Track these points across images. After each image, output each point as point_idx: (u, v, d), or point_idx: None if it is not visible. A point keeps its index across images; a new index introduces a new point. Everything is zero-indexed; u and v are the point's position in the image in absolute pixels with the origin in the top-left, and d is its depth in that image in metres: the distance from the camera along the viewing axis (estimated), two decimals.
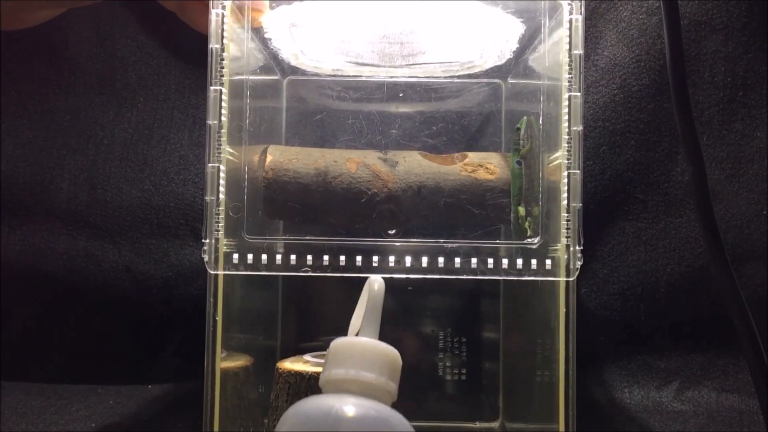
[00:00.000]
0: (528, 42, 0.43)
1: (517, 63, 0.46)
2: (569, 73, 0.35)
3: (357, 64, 0.46)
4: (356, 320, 0.34)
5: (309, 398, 0.31)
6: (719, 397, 0.54)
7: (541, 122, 0.39)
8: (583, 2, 0.36)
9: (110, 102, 0.59)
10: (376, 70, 0.47)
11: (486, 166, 0.42)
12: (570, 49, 0.35)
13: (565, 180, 0.35)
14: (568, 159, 0.35)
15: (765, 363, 0.34)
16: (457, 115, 0.50)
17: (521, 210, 0.40)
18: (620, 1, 0.56)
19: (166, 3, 0.42)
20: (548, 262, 0.36)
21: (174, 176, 0.58)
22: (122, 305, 0.57)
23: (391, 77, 0.48)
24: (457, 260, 0.36)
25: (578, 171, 0.35)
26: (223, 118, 0.36)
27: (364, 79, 0.47)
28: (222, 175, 0.36)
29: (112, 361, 0.58)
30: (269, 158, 0.42)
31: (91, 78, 0.59)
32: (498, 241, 0.39)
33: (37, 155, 0.58)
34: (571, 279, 0.35)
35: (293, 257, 0.36)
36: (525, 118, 0.42)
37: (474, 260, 0.36)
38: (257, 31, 0.41)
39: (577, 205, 0.35)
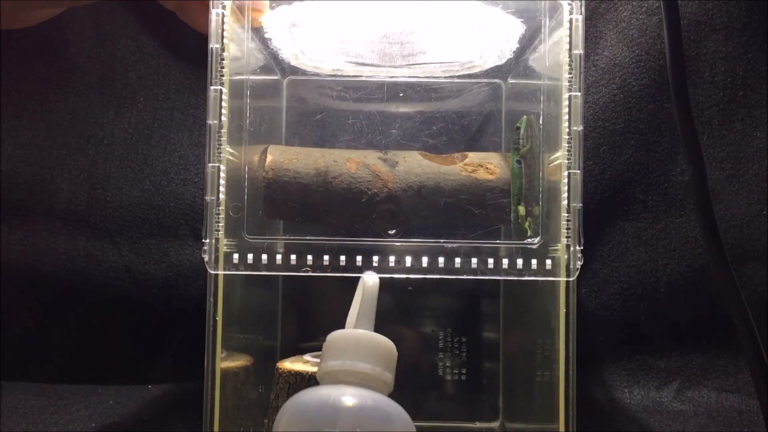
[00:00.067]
0: (528, 42, 0.43)
1: (517, 63, 0.46)
2: (569, 73, 0.35)
3: (357, 64, 0.46)
4: (352, 315, 0.35)
5: (307, 390, 0.31)
6: (719, 397, 0.54)
7: (541, 122, 0.39)
8: (583, 2, 0.36)
9: (110, 102, 0.59)
10: (376, 70, 0.47)
11: (486, 166, 0.42)
12: (570, 49, 0.35)
13: (565, 180, 0.35)
14: (568, 159, 0.35)
15: (765, 363, 0.34)
16: (457, 115, 0.50)
17: (521, 210, 0.40)
18: (620, 1, 0.56)
19: (166, 3, 0.42)
20: (548, 262, 0.36)
21: (174, 176, 0.58)
22: (122, 305, 0.57)
23: (391, 77, 0.48)
24: (457, 260, 0.36)
25: (578, 171, 0.35)
26: (223, 118, 0.36)
27: (364, 79, 0.47)
28: (222, 175, 0.36)
29: (112, 361, 0.58)
30: (269, 158, 0.42)
31: (91, 78, 0.59)
32: (498, 241, 0.39)
33: (37, 155, 0.58)
34: (571, 279, 0.35)
35: (293, 257, 0.36)
36: (525, 117, 0.42)
37: (474, 260, 0.36)
38: (257, 31, 0.41)
39: (578, 205, 0.35)
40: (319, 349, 0.45)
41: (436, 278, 0.36)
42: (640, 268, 0.56)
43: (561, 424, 0.35)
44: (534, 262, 0.36)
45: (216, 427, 0.36)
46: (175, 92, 0.59)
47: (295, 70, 0.49)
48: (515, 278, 0.36)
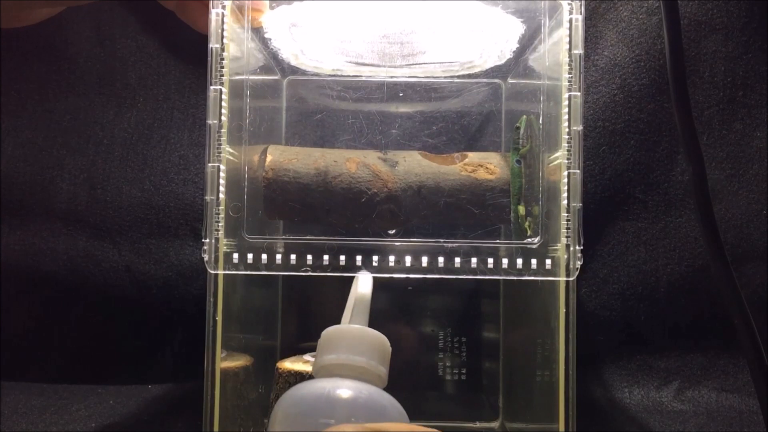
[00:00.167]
0: (528, 42, 0.43)
1: (517, 63, 0.46)
2: (569, 73, 0.35)
3: (357, 64, 0.46)
4: (347, 312, 0.35)
5: (302, 383, 0.31)
6: (719, 397, 0.54)
7: (540, 122, 0.39)
8: (583, 2, 0.36)
9: (110, 102, 0.59)
10: (376, 70, 0.47)
11: (486, 166, 0.42)
12: (570, 49, 0.35)
13: (565, 180, 0.35)
14: (568, 159, 0.35)
15: (765, 363, 0.34)
16: (457, 115, 0.50)
17: (521, 209, 0.40)
18: (620, 1, 0.56)
19: (166, 3, 0.42)
20: (548, 261, 0.36)
21: (174, 176, 0.58)
22: (122, 305, 0.57)
23: (391, 77, 0.48)
24: (457, 260, 0.36)
25: (578, 171, 0.35)
26: (223, 118, 0.36)
27: (364, 79, 0.47)
28: (222, 174, 0.36)
29: (112, 361, 0.58)
30: (269, 158, 0.42)
31: (91, 78, 0.59)
32: (498, 241, 0.39)
33: (37, 155, 0.58)
34: (571, 279, 0.35)
35: (293, 257, 0.36)
36: (524, 117, 0.42)
37: (474, 260, 0.36)
38: (257, 31, 0.41)
39: (577, 204, 0.35)
40: None
41: (436, 278, 0.36)
42: (640, 268, 0.56)
43: (561, 424, 0.35)
44: (534, 261, 0.36)
45: (216, 427, 0.36)
46: (175, 92, 0.59)
47: (295, 70, 0.49)
48: (515, 278, 0.36)
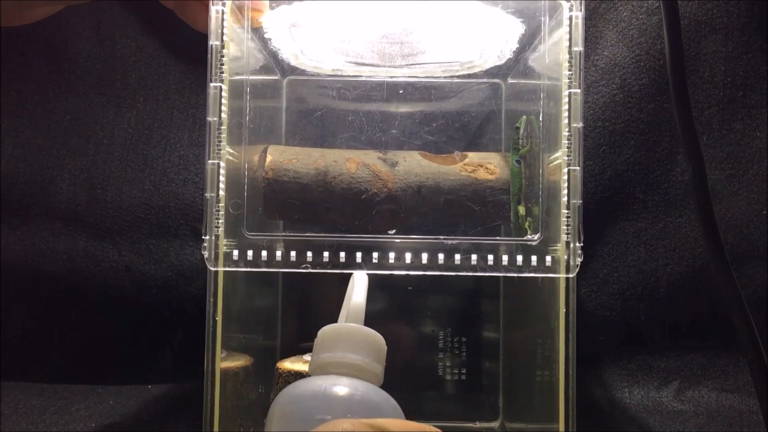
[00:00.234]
0: (528, 42, 0.43)
1: (517, 63, 0.46)
2: (569, 70, 0.35)
3: (357, 64, 0.46)
4: (343, 312, 0.35)
5: (299, 381, 0.31)
6: (719, 397, 0.54)
7: (541, 122, 0.39)
8: (583, 1, 0.36)
9: (110, 102, 0.59)
10: (376, 70, 0.47)
11: (486, 166, 0.42)
12: (570, 46, 0.35)
13: (566, 177, 0.35)
14: (568, 156, 0.35)
15: (765, 363, 0.34)
16: (457, 115, 0.50)
17: (521, 209, 0.40)
18: (620, 1, 0.56)
19: (166, 2, 0.42)
20: (548, 258, 0.36)
21: (174, 176, 0.58)
22: (122, 305, 0.57)
23: (391, 77, 0.48)
24: (457, 257, 0.36)
25: (578, 167, 0.35)
26: (223, 115, 0.36)
27: (364, 78, 0.47)
28: (222, 171, 0.36)
29: (112, 361, 0.58)
30: (269, 158, 0.42)
31: (91, 78, 0.59)
32: (498, 238, 0.39)
33: (37, 155, 0.58)
34: (571, 276, 0.35)
35: (293, 254, 0.36)
36: (524, 117, 0.42)
37: (474, 257, 0.36)
38: (257, 31, 0.41)
39: (578, 201, 0.35)
40: None
41: (436, 278, 0.36)
42: (640, 268, 0.56)
43: (561, 424, 0.35)
44: (534, 258, 0.36)
45: (216, 427, 0.36)
46: (175, 92, 0.59)
47: (294, 70, 0.49)
48: (515, 275, 0.36)
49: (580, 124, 0.35)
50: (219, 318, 0.36)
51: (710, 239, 0.35)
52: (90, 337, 0.57)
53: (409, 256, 0.36)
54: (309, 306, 0.53)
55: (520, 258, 0.36)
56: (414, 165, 0.42)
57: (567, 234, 0.35)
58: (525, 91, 0.45)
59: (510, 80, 0.50)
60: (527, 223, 0.40)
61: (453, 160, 0.43)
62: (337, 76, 0.48)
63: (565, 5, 0.36)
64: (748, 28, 0.56)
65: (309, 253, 0.36)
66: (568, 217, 0.35)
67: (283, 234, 0.38)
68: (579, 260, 0.35)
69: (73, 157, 0.58)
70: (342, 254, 0.36)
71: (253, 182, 0.40)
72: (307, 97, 0.51)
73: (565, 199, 0.35)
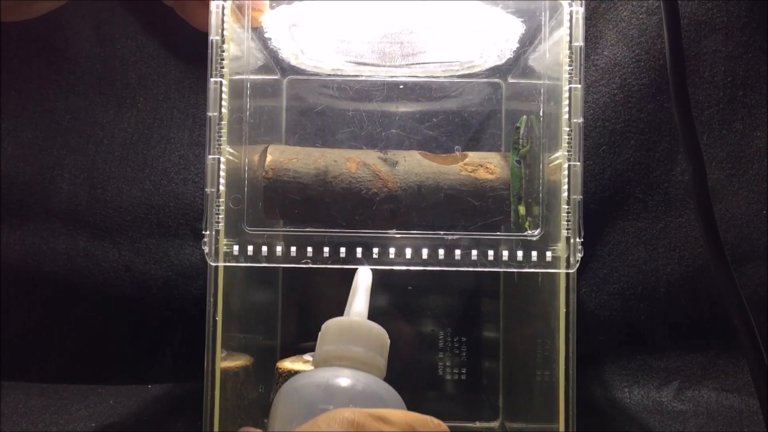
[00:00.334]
0: (528, 41, 0.43)
1: (517, 62, 0.46)
2: (570, 66, 0.35)
3: (357, 63, 0.46)
4: (348, 307, 0.36)
5: (302, 374, 0.32)
6: (719, 397, 0.54)
7: (541, 122, 0.39)
8: (583, 0, 0.36)
9: (110, 102, 0.59)
10: (376, 70, 0.47)
11: (486, 165, 0.42)
12: (570, 42, 0.35)
13: (566, 172, 0.35)
14: (568, 152, 0.35)
15: (765, 363, 0.34)
16: (457, 115, 0.50)
17: (521, 209, 0.40)
18: (620, 1, 0.56)
19: (166, 0, 0.42)
20: (548, 254, 0.36)
21: (174, 176, 0.58)
22: (122, 305, 0.57)
23: (392, 77, 0.48)
24: (457, 252, 0.36)
25: (578, 163, 0.35)
26: (224, 110, 0.36)
27: (364, 78, 0.47)
28: (222, 167, 0.36)
29: (112, 361, 0.58)
30: (269, 158, 0.42)
31: (91, 78, 0.59)
32: (498, 233, 0.39)
33: (37, 155, 0.58)
34: (571, 271, 0.35)
35: (293, 249, 0.36)
36: (524, 117, 0.42)
37: (474, 252, 0.36)
38: (257, 31, 0.41)
39: (578, 197, 0.35)
40: None
41: (437, 278, 0.36)
42: (640, 268, 0.56)
43: (561, 424, 0.35)
44: (534, 254, 0.36)
45: (216, 427, 0.36)
46: (175, 92, 0.59)
47: (295, 70, 0.49)
48: (515, 270, 0.36)
49: (581, 120, 0.35)
50: (219, 318, 0.36)
51: (710, 239, 0.35)
52: (90, 337, 0.57)
53: (409, 251, 0.36)
54: (309, 306, 0.53)
55: (520, 254, 0.36)
56: (414, 165, 0.42)
57: (567, 230, 0.35)
58: (525, 90, 0.45)
59: (510, 80, 0.50)
60: (527, 223, 0.40)
61: (453, 160, 0.43)
62: (338, 75, 0.48)
63: (566, 5, 0.36)
64: (748, 28, 0.56)
65: (309, 249, 0.36)
66: (568, 213, 0.35)
67: (284, 229, 0.38)
68: (579, 256, 0.35)
69: (73, 157, 0.58)
70: (342, 249, 0.36)
71: (254, 180, 0.40)
72: (308, 97, 0.51)
73: (565, 195, 0.35)
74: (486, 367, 0.52)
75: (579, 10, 0.35)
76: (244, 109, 0.39)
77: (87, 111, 0.59)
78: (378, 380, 0.32)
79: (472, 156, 0.43)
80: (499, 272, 0.51)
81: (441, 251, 0.36)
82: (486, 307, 0.52)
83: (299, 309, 0.53)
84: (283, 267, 0.42)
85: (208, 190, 0.35)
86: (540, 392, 0.40)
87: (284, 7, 0.39)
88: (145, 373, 0.57)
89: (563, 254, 0.35)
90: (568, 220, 0.35)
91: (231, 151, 0.37)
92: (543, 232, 0.37)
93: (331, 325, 0.34)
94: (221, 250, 0.36)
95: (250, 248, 0.36)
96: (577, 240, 0.35)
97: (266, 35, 0.43)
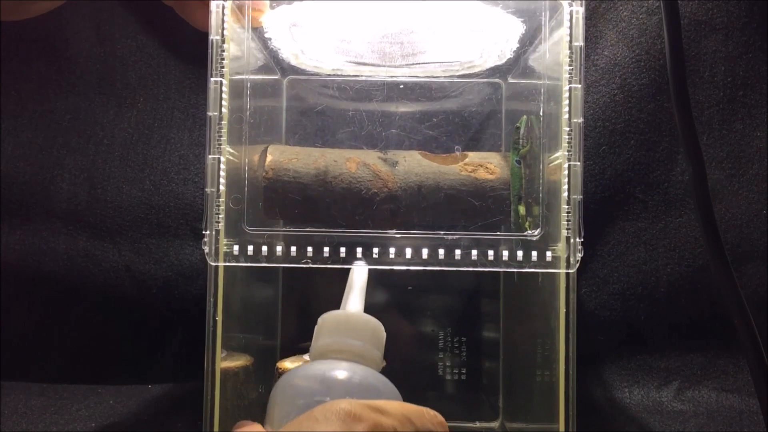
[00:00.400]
0: (528, 42, 0.43)
1: (518, 62, 0.46)
2: (570, 65, 0.35)
3: (357, 63, 0.46)
4: (345, 300, 0.36)
5: (299, 367, 0.32)
6: (719, 397, 0.54)
7: (541, 122, 0.39)
8: (583, 0, 0.36)
9: (110, 102, 0.59)
10: (376, 70, 0.47)
11: (486, 165, 0.42)
12: (570, 41, 0.35)
13: (566, 172, 0.35)
14: (568, 152, 0.35)
15: (765, 363, 0.34)
16: (457, 115, 0.50)
17: (521, 209, 0.40)
18: (620, 1, 0.56)
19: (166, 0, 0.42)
20: (548, 254, 0.36)
21: (174, 176, 0.58)
22: (122, 305, 0.57)
23: (392, 77, 0.48)
24: (458, 252, 0.36)
25: (579, 163, 0.35)
26: (224, 110, 0.36)
27: (364, 78, 0.47)
28: (222, 167, 0.36)
29: (112, 361, 0.58)
30: (269, 158, 0.42)
31: (91, 78, 0.59)
32: (498, 233, 0.39)
33: (37, 155, 0.58)
34: (571, 271, 0.35)
35: (293, 249, 0.36)
36: (524, 117, 0.42)
37: (474, 252, 0.36)
38: (257, 31, 0.41)
39: (578, 197, 0.35)
40: None
41: (437, 278, 0.36)
42: (640, 268, 0.56)
43: (561, 424, 0.35)
44: (534, 254, 0.36)
45: (216, 427, 0.36)
46: (175, 92, 0.59)
47: (295, 70, 0.49)
48: (515, 270, 0.36)
49: (581, 120, 0.35)
50: (219, 318, 0.36)
51: (710, 239, 0.35)
52: (90, 337, 0.57)
53: (409, 251, 0.36)
54: (309, 306, 0.53)
55: (520, 254, 0.36)
56: (414, 165, 0.42)
57: (567, 230, 0.35)
58: (525, 90, 0.45)
59: (510, 80, 0.50)
60: (527, 223, 0.40)
61: (453, 160, 0.43)
62: (338, 75, 0.48)
63: (566, 5, 0.36)
64: (748, 28, 0.56)
65: (309, 249, 0.36)
66: (568, 213, 0.35)
67: (284, 229, 0.38)
68: (579, 256, 0.35)
69: (73, 157, 0.58)
70: (342, 249, 0.36)
71: (254, 180, 0.40)
72: (308, 97, 0.51)
73: (565, 195, 0.35)
74: (486, 367, 0.52)
75: (579, 10, 0.35)
76: (244, 109, 0.39)
77: (87, 111, 0.59)
78: (375, 372, 0.32)
79: (472, 156, 0.43)
80: (499, 272, 0.51)
81: (441, 251, 0.36)
82: (486, 307, 0.52)
83: (299, 309, 0.53)
84: (283, 267, 0.42)
85: (208, 190, 0.35)
86: (540, 392, 0.40)
87: (284, 7, 0.39)
88: (145, 373, 0.57)
89: (563, 254, 0.35)
90: (568, 220, 0.35)
91: (231, 151, 0.37)
92: (543, 232, 0.37)
93: (327, 318, 0.34)
94: (221, 250, 0.36)
95: (250, 248, 0.36)
96: (577, 240, 0.35)
97: (266, 35, 0.43)
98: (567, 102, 0.35)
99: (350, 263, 0.36)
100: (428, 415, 0.30)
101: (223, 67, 0.36)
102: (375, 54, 0.46)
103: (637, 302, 0.56)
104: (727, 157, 0.57)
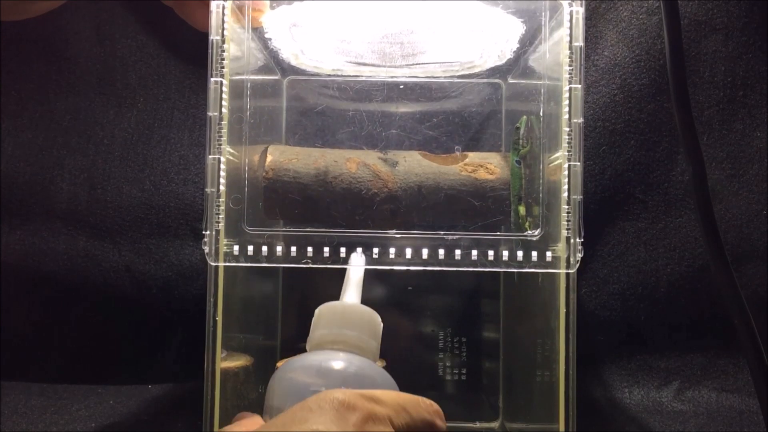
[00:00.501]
0: (528, 42, 0.43)
1: (518, 63, 0.46)
2: (570, 66, 0.35)
3: (357, 64, 0.46)
4: (343, 293, 0.36)
5: (295, 357, 0.32)
6: (719, 397, 0.54)
7: (541, 122, 0.39)
8: (583, 0, 0.36)
9: (110, 102, 0.59)
10: (376, 70, 0.47)
11: (486, 166, 0.42)
12: (570, 41, 0.35)
13: (566, 172, 0.35)
14: (568, 152, 0.35)
15: (765, 363, 0.34)
16: (457, 115, 0.50)
17: (522, 209, 0.40)
18: (620, 1, 0.56)
19: (166, 0, 0.42)
20: (548, 254, 0.36)
21: (174, 176, 0.58)
22: (122, 305, 0.57)
23: (392, 77, 0.48)
24: (458, 252, 0.36)
25: (578, 163, 0.35)
26: (224, 110, 0.36)
27: (364, 79, 0.47)
28: (222, 167, 0.36)
29: (112, 361, 0.58)
30: (269, 158, 0.42)
31: (91, 78, 0.59)
32: (498, 233, 0.39)
33: (37, 155, 0.58)
34: (571, 272, 0.35)
35: (293, 249, 0.36)
36: (524, 117, 0.42)
37: (474, 252, 0.36)
38: (258, 31, 0.41)
39: (578, 197, 0.35)
40: None
41: (437, 278, 0.36)
42: (640, 268, 0.56)
43: (561, 424, 0.35)
44: (534, 254, 0.36)
45: (216, 427, 0.36)
46: (175, 92, 0.59)
47: (295, 70, 0.49)
48: (515, 270, 0.36)
49: (581, 120, 0.35)
50: (219, 318, 0.36)
51: (710, 239, 0.35)
52: (90, 337, 0.57)
53: (409, 251, 0.36)
54: (309, 306, 0.53)
55: (520, 254, 0.36)
56: (414, 165, 0.42)
57: (567, 230, 0.35)
58: (525, 91, 0.45)
59: (510, 80, 0.50)
60: (527, 223, 0.40)
61: (453, 160, 0.43)
62: (338, 76, 0.48)
63: (566, 6, 0.36)
64: (748, 28, 0.56)
65: (309, 249, 0.36)
66: (568, 213, 0.35)
67: (284, 229, 0.38)
68: (579, 256, 0.35)
69: (73, 157, 0.58)
70: (342, 249, 0.36)
71: (254, 180, 0.40)
72: (308, 97, 0.51)
73: (565, 195, 0.35)
74: (486, 368, 0.52)
75: (579, 11, 0.35)
76: (244, 109, 0.39)
77: (87, 111, 0.59)
78: (371, 363, 0.32)
79: (472, 156, 0.43)
80: (499, 272, 0.51)
81: (441, 251, 0.36)
82: (486, 308, 0.52)
83: (299, 309, 0.53)
84: (283, 267, 0.42)
85: (208, 190, 0.35)
86: (540, 392, 0.40)
87: (284, 8, 0.39)
88: (145, 373, 0.57)
89: (563, 254, 0.35)
90: (568, 220, 0.35)
91: (231, 151, 0.37)
92: (543, 232, 0.37)
93: (324, 309, 0.34)
94: (221, 250, 0.36)
95: (250, 248, 0.36)
96: (577, 240, 0.35)
97: (266, 35, 0.43)
98: (567, 102, 0.35)
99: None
100: (424, 404, 0.30)
101: (223, 68, 0.36)
102: (375, 54, 0.46)
103: (637, 302, 0.56)
104: (727, 157, 0.57)
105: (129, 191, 0.57)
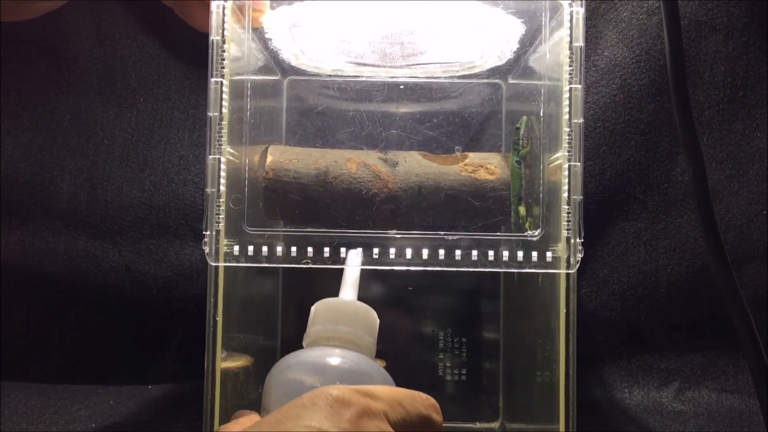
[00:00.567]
0: (528, 42, 0.43)
1: (518, 63, 0.46)
2: (570, 66, 0.35)
3: (357, 64, 0.46)
4: (341, 290, 0.36)
5: (292, 353, 0.32)
6: (719, 397, 0.54)
7: (541, 122, 0.39)
8: (583, 0, 0.36)
9: (110, 102, 0.59)
10: (376, 71, 0.47)
11: (486, 166, 0.42)
12: (571, 42, 0.35)
13: (566, 173, 0.35)
14: (568, 152, 0.35)
15: (765, 363, 0.34)
16: (457, 115, 0.50)
17: (522, 210, 0.40)
18: (620, 1, 0.56)
19: (166, 0, 0.42)
20: (548, 254, 0.36)
21: (174, 176, 0.58)
22: (122, 305, 0.57)
23: (392, 77, 0.48)
24: (458, 252, 0.36)
25: (579, 163, 0.35)
26: (224, 110, 0.36)
27: (364, 79, 0.47)
28: (222, 167, 0.36)
29: (112, 361, 0.58)
30: (270, 158, 0.42)
31: (91, 78, 0.59)
32: (498, 233, 0.39)
33: (37, 155, 0.58)
34: (571, 272, 0.35)
35: (294, 249, 0.36)
36: (524, 117, 0.42)
37: (474, 252, 0.36)
38: (258, 32, 0.41)
39: (578, 197, 0.35)
40: None
41: (437, 278, 0.36)
42: (640, 268, 0.56)
43: (561, 424, 0.35)
44: (534, 254, 0.36)
45: (216, 427, 0.36)
46: (175, 92, 0.59)
47: (295, 71, 0.49)
48: (515, 270, 0.36)
49: (581, 120, 0.35)
50: (219, 318, 0.36)
51: (710, 239, 0.35)
52: (90, 337, 0.57)
53: (409, 251, 0.36)
54: (309, 306, 0.53)
55: (520, 254, 0.36)
56: (414, 165, 0.42)
57: (567, 230, 0.35)
58: (525, 91, 0.45)
59: (510, 80, 0.50)
60: (528, 223, 0.40)
61: (453, 161, 0.43)
62: (338, 76, 0.48)
63: (566, 6, 0.36)
64: (748, 28, 0.56)
65: (309, 249, 0.36)
66: (568, 213, 0.35)
67: (284, 230, 0.38)
68: (579, 256, 0.35)
69: (73, 157, 0.58)
70: (342, 250, 0.36)
71: (254, 181, 0.40)
72: (308, 98, 0.51)
73: (565, 195, 0.35)
74: (486, 368, 0.52)
75: (579, 11, 0.35)
76: (244, 109, 0.39)
77: (87, 111, 0.59)
78: (367, 359, 0.32)
79: (473, 156, 0.43)
80: (499, 273, 0.51)
81: (441, 251, 0.36)
82: (486, 308, 0.52)
83: (299, 309, 0.53)
84: (284, 267, 0.42)
85: (208, 190, 0.35)
86: (540, 393, 0.40)
87: (285, 8, 0.39)
88: (145, 373, 0.57)
89: (563, 255, 0.35)
90: (568, 221, 0.35)
91: (231, 151, 0.37)
92: (543, 233, 0.37)
93: (320, 306, 0.34)
94: (221, 250, 0.36)
95: (251, 248, 0.36)
96: (578, 240, 0.35)
97: (267, 36, 0.43)
98: (567, 102, 0.35)
99: None
100: (420, 398, 0.30)
101: (223, 68, 0.36)
102: (375, 54, 0.46)
103: (637, 302, 0.56)
104: (727, 157, 0.57)
105: (129, 191, 0.57)
